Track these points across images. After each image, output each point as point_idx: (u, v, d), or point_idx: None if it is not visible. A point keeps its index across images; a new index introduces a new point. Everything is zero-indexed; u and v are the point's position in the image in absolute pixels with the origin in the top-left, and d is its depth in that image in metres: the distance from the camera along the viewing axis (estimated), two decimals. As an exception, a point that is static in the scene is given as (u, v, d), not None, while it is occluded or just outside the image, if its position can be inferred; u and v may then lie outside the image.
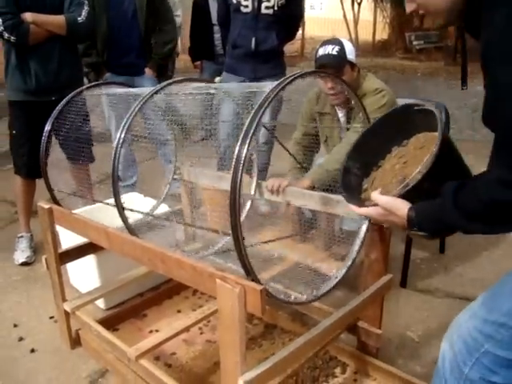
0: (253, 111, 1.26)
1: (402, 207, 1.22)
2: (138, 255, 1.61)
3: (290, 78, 1.33)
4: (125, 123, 1.65)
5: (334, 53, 2.19)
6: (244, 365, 1.32)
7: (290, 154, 2.22)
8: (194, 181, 2.27)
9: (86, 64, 3.23)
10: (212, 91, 1.84)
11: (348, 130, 2.32)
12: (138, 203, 2.38)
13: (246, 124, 1.25)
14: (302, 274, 1.86)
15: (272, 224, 2.18)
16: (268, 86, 1.61)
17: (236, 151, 1.23)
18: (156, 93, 1.71)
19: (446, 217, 1.10)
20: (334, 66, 2.16)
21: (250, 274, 1.30)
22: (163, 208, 2.34)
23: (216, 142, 2.55)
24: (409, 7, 1.21)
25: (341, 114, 2.38)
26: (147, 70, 3.36)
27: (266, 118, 2.72)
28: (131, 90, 2.05)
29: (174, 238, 2.25)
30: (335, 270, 1.76)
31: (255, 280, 1.31)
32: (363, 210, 1.33)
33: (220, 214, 2.07)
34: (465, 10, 1.12)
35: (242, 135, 1.24)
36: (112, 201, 2.49)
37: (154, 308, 2.35)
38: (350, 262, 1.74)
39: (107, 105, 2.93)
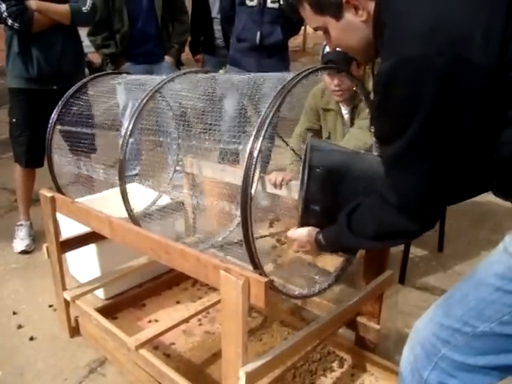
0: (268, 102, 1.26)
1: (312, 234, 1.41)
2: (141, 245, 1.62)
3: (309, 70, 1.34)
4: (137, 108, 1.68)
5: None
6: (245, 356, 1.33)
7: (291, 149, 2.23)
8: (196, 172, 2.28)
9: (104, 55, 3.33)
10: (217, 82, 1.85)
11: (352, 126, 2.32)
12: (139, 194, 2.38)
13: (261, 116, 1.25)
14: (302, 269, 1.88)
15: (274, 218, 2.20)
16: (273, 76, 1.64)
17: (250, 144, 1.24)
18: (172, 80, 1.75)
19: (344, 239, 1.24)
20: (341, 64, 2.16)
21: (258, 267, 1.32)
22: (165, 199, 2.35)
23: (218, 135, 2.55)
24: (311, 25, 1.22)
25: (345, 111, 2.39)
26: (167, 58, 3.47)
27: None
28: (149, 76, 2.05)
29: (173, 230, 2.26)
30: (336, 266, 1.78)
31: (263, 273, 1.33)
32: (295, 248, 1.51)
33: (220, 206, 2.10)
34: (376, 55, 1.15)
35: (256, 127, 1.24)
36: (114, 191, 2.55)
37: (153, 298, 2.36)
38: (350, 258, 1.75)
39: (122, 93, 2.94)
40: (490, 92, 0.95)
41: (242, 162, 2.03)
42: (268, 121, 1.26)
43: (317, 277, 1.74)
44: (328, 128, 2.48)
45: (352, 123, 2.35)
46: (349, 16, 1.12)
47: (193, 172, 2.30)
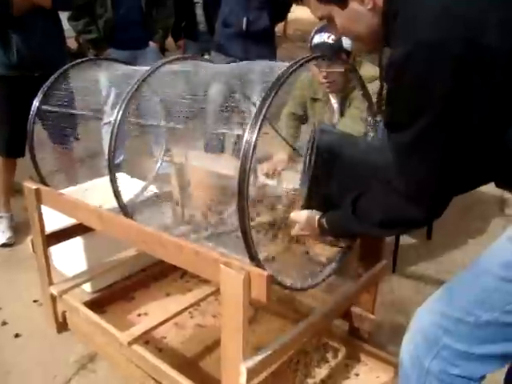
0: (263, 94, 1.24)
1: (315, 217, 1.41)
2: (133, 238, 1.58)
3: (304, 60, 1.31)
4: (125, 96, 1.63)
5: (331, 41, 2.16)
6: (246, 351, 1.31)
7: (282, 138, 2.18)
8: (184, 162, 2.25)
9: (86, 41, 3.26)
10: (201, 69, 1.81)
11: (342, 116, 2.31)
12: (125, 184, 2.32)
13: (256, 108, 1.23)
14: (296, 259, 1.85)
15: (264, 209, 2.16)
16: (259, 64, 1.61)
17: (245, 136, 1.22)
18: (159, 67, 1.70)
19: (348, 224, 1.26)
20: (330, 56, 2.13)
21: (254, 259, 1.29)
22: (152, 190, 2.30)
23: (203, 125, 2.51)
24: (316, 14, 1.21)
25: (334, 101, 2.36)
26: (152, 44, 3.40)
27: (255, 98, 2.71)
28: (131, 68, 2.00)
29: (162, 221, 2.22)
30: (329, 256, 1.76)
31: (259, 265, 1.30)
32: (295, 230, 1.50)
33: (208, 196, 2.08)
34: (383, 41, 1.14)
35: (251, 119, 1.22)
36: (97, 181, 2.50)
37: (142, 291, 2.32)
38: (349, 247, 1.72)
39: (105, 80, 2.87)
40: (505, 77, 0.94)
41: (234, 151, 2.00)
42: (262, 115, 1.24)
43: (312, 267, 1.70)
44: (316, 117, 2.45)
45: (342, 113, 2.33)
46: (354, 5, 1.11)
47: (181, 161, 2.27)
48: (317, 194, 1.43)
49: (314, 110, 2.43)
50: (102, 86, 2.95)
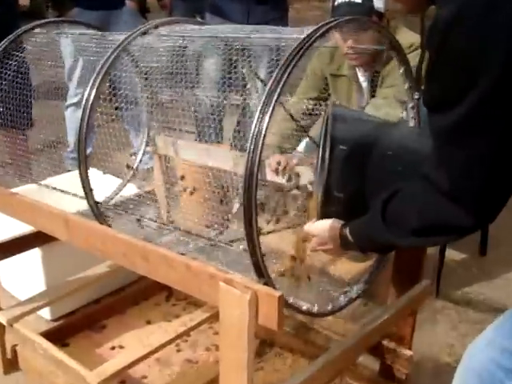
0: (276, 71, 1.27)
1: (336, 227, 1.43)
2: (109, 249, 1.62)
3: (326, 27, 1.34)
4: (98, 71, 1.67)
5: (358, 0, 2.21)
6: (252, 393, 1.34)
7: (297, 124, 2.23)
8: (171, 154, 2.28)
9: None
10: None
11: (373, 97, 2.35)
12: (96, 182, 2.37)
13: (268, 88, 1.26)
14: (313, 278, 1.89)
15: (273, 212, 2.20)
16: (266, 31, 1.64)
17: (255, 123, 1.25)
18: (140, 34, 1.75)
19: (377, 234, 1.27)
20: (358, 19, 2.17)
21: (263, 276, 1.33)
22: (130, 189, 2.35)
23: (195, 107, 2.55)
24: None
25: (362, 78, 2.41)
26: (128, 3, 3.48)
27: (263, 74, 2.74)
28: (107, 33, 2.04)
29: (142, 228, 2.24)
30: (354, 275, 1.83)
31: (269, 284, 1.34)
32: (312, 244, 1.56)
33: (202, 197, 2.13)
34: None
35: (262, 102, 1.26)
36: (61, 179, 2.53)
37: (116, 318, 2.37)
38: (380, 264, 1.80)
39: (69, 49, 2.91)
40: None
41: (235, 140, 2.03)
42: (276, 95, 1.28)
43: (333, 288, 1.77)
44: (339, 99, 2.48)
45: (373, 93, 2.37)
46: None
47: (167, 153, 2.31)
48: (335, 198, 1.47)
49: (335, 90, 2.46)
50: (66, 56, 3.00)
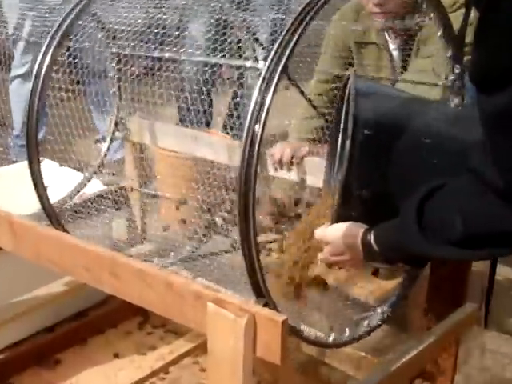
0: (283, 34, 1.25)
1: (356, 233, 1.41)
2: (66, 261, 1.61)
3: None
4: (53, 34, 1.63)
5: None
6: None
7: (310, 104, 2.21)
8: (147, 142, 2.27)
9: None
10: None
11: (405, 70, 2.33)
12: (51, 176, 2.34)
13: (271, 55, 1.24)
14: (326, 299, 1.87)
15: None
16: None
17: (255, 94, 1.22)
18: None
19: (410, 241, 1.24)
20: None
21: (263, 295, 1.32)
22: (95, 186, 2.32)
23: (178, 79, 2.53)
24: None
25: (393, 46, 2.38)
26: None
27: (264, 37, 2.73)
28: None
29: (110, 236, 2.27)
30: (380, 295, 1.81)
31: (270, 305, 1.33)
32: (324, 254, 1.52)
33: (185, 196, 2.12)
34: None
35: (263, 72, 1.24)
36: (3, 172, 2.50)
37: (74, 350, 2.32)
38: (406, 283, 1.76)
39: (14, 4, 2.89)
40: None
41: (229, 124, 2.01)
42: (282, 65, 1.26)
43: (352, 312, 1.77)
44: (367, 71, 2.46)
45: (405, 65, 2.36)
46: None
47: (141, 141, 2.30)
48: (356, 196, 1.44)
49: (362, 61, 2.44)
50: (8, 13, 2.97)
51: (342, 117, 1.57)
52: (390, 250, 1.35)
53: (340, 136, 1.52)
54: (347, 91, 1.50)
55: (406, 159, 1.42)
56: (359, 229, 1.41)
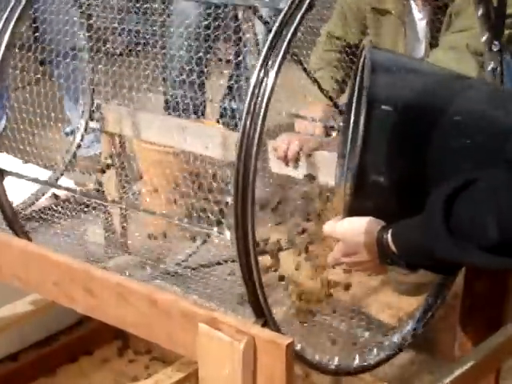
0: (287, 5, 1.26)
1: (371, 229, 1.39)
2: (32, 276, 1.62)
3: None
4: (14, 4, 1.65)
5: None
6: None
7: (318, 86, 2.22)
8: (128, 133, 2.29)
9: None
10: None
11: (431, 46, 2.36)
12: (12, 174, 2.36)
13: (273, 31, 1.26)
14: (335, 314, 1.89)
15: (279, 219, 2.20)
16: None
17: (253, 82, 1.24)
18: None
19: (436, 243, 1.23)
20: None
21: (264, 315, 1.32)
22: (65, 184, 2.32)
23: (165, 59, 2.54)
24: None
25: (420, 16, 2.41)
26: None
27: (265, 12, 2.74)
28: None
29: (84, 246, 2.28)
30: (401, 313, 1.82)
31: (272, 326, 1.34)
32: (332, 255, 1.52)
33: (172, 197, 2.17)
34: None
35: (265, 49, 1.26)
36: None
37: (42, 382, 2.35)
38: (434, 296, 1.79)
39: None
40: None
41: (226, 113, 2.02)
42: (287, 40, 1.27)
43: (366, 331, 1.79)
44: (383, 44, 2.47)
45: (434, 40, 2.38)
46: None
47: (120, 132, 2.32)
48: (372, 184, 1.42)
49: (379, 32, 2.46)
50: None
51: (355, 95, 1.58)
52: (411, 253, 1.35)
53: (352, 117, 1.54)
54: (361, 64, 1.51)
55: (433, 141, 1.40)
56: (375, 225, 1.40)
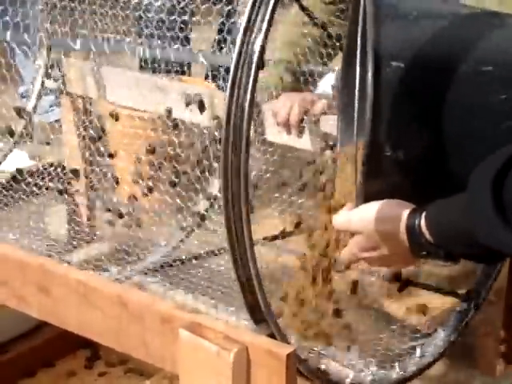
0: None
1: (396, 214, 1.36)
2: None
3: None
4: None
5: None
6: None
7: (307, 14, 2.19)
8: (93, 95, 2.26)
9: None
10: None
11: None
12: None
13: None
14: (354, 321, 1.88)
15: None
16: None
17: (248, 9, 1.22)
18: None
19: (479, 226, 1.21)
20: None
21: (264, 319, 1.32)
22: (19, 160, 2.33)
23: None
24: None
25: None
26: None
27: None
28: None
29: (40, 235, 2.25)
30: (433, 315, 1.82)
31: (271, 331, 1.34)
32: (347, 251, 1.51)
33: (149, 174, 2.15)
34: None
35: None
36: None
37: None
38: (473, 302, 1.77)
39: None
40: None
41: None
42: None
43: (394, 339, 1.79)
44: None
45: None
46: None
47: (84, 93, 2.29)
48: (388, 160, 1.39)
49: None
50: None
51: (359, 49, 1.54)
52: (451, 240, 1.32)
53: (358, 75, 1.49)
54: (364, 9, 1.45)
55: (461, 101, 1.37)
56: (402, 209, 1.36)
